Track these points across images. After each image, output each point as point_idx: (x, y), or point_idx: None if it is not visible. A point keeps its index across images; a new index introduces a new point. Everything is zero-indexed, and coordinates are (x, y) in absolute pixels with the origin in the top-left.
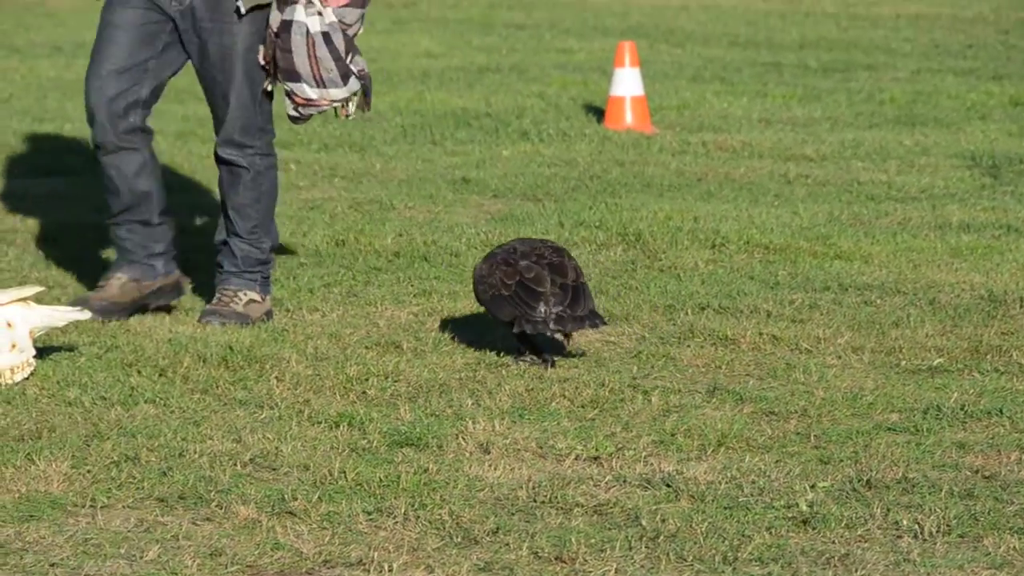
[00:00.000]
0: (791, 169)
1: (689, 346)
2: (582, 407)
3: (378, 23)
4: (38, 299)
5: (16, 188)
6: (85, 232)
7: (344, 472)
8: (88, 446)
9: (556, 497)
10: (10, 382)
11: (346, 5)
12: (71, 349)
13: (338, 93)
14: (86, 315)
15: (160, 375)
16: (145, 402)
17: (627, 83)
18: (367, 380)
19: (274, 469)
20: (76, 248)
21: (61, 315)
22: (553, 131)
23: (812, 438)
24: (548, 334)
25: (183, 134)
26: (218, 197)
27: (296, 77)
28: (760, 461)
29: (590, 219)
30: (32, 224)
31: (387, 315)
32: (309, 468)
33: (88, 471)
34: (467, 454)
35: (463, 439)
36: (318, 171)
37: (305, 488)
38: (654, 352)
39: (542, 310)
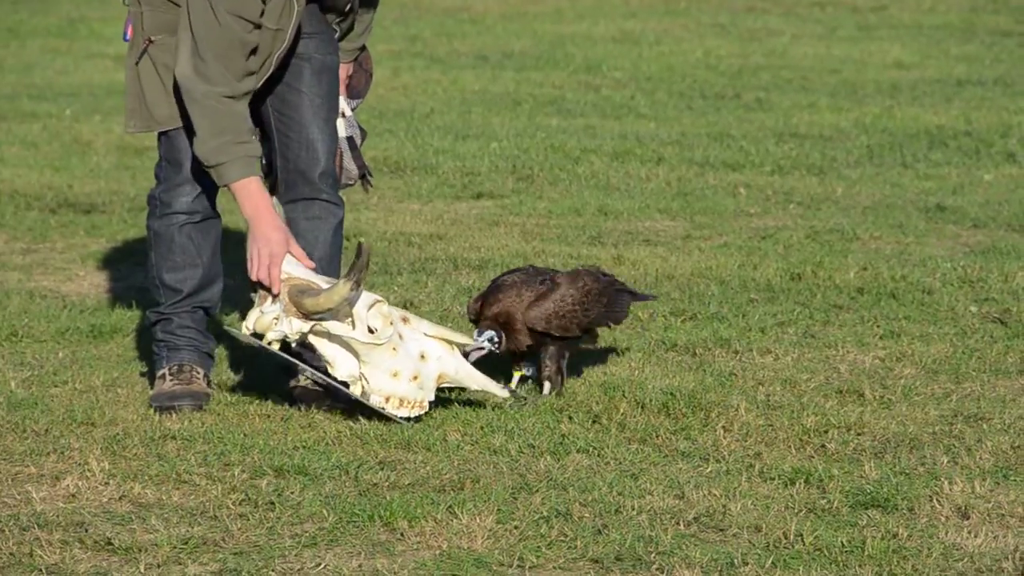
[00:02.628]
0: None
1: None
2: None
3: (842, 30)
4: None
5: (442, 211)
6: (512, 262)
7: (801, 535)
8: (515, 499)
9: None
10: (393, 412)
11: (358, 97)
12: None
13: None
14: (504, 393)
15: (594, 422)
16: (577, 451)
17: None
18: (826, 432)
19: (721, 530)
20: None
21: (480, 381)
22: None
23: None
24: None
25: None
26: None
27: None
28: None
29: None
30: (455, 251)
31: (849, 359)
32: (761, 529)
33: (515, 527)
34: (942, 519)
35: (938, 501)
36: (771, 196)
37: (756, 552)
38: None
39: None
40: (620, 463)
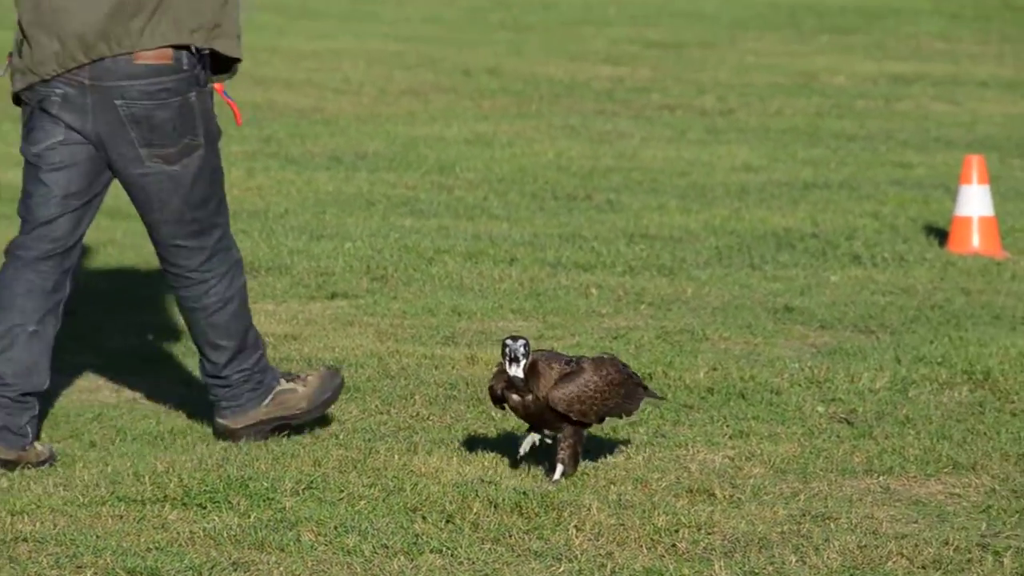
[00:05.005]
0: None
1: None
2: (923, 568)
3: (691, 132)
4: None
5: (297, 311)
6: (366, 362)
7: None
8: None
9: None
10: None
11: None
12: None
13: None
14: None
15: (447, 521)
16: (431, 551)
17: (975, 202)
18: (677, 532)
19: None
20: (356, 380)
21: None
22: (889, 255)
23: None
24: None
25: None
26: None
27: None
28: None
29: (931, 355)
30: (309, 351)
31: (699, 458)
32: None
33: None
34: None
35: None
36: (622, 296)
37: None
38: (1006, 507)
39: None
40: (473, 563)
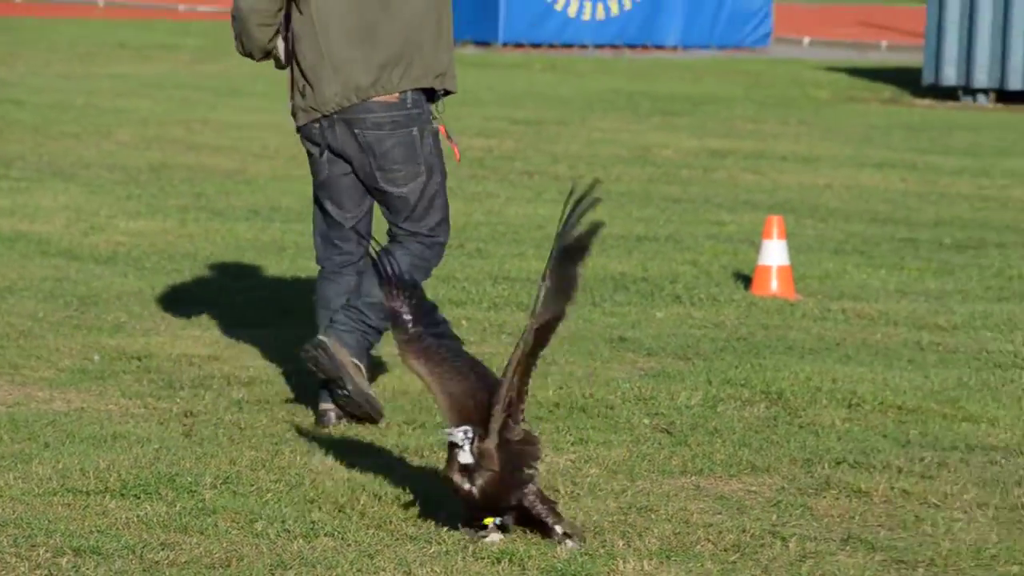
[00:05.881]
0: (924, 337)
1: (825, 497)
2: (725, 551)
3: (546, 193)
4: None
5: (218, 337)
6: (275, 379)
7: None
8: (273, 575)
9: None
10: None
11: None
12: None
13: None
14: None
15: (339, 511)
16: (325, 535)
17: (774, 254)
18: None
19: None
20: (266, 393)
21: None
22: (704, 295)
23: None
24: None
25: None
26: None
27: None
28: None
29: (736, 378)
30: (228, 370)
31: (547, 461)
32: None
33: None
34: None
35: None
36: (487, 328)
37: None
38: (792, 502)
39: None
40: (360, 545)
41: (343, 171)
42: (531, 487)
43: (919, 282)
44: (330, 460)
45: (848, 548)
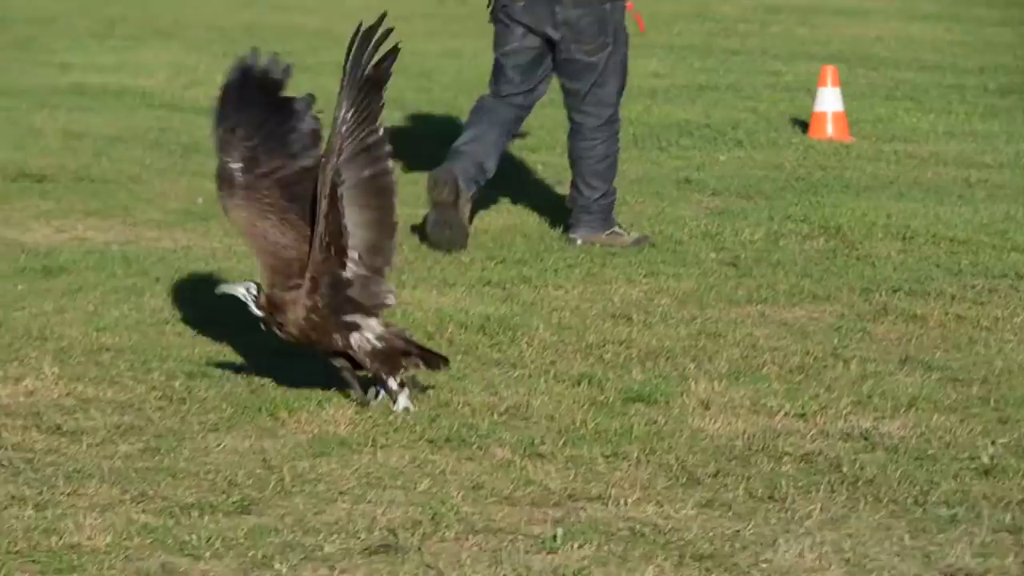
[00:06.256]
0: (972, 174)
1: (883, 323)
2: (790, 372)
3: None
4: None
5: None
6: None
7: (585, 422)
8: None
9: (768, 447)
10: None
11: None
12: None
13: None
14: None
15: (429, 339)
16: None
17: (829, 100)
18: (604, 346)
19: (525, 419)
20: None
21: None
22: (764, 140)
23: (992, 401)
24: None
25: None
26: None
27: None
28: (946, 420)
29: (796, 214)
30: None
31: (621, 292)
32: (555, 419)
33: (369, 416)
34: (690, 409)
35: (686, 397)
36: (562, 171)
37: (552, 435)
38: (852, 327)
39: None
40: (449, 370)
41: (532, 44)
42: (364, 334)
43: (966, 124)
44: (419, 293)
45: (906, 368)
